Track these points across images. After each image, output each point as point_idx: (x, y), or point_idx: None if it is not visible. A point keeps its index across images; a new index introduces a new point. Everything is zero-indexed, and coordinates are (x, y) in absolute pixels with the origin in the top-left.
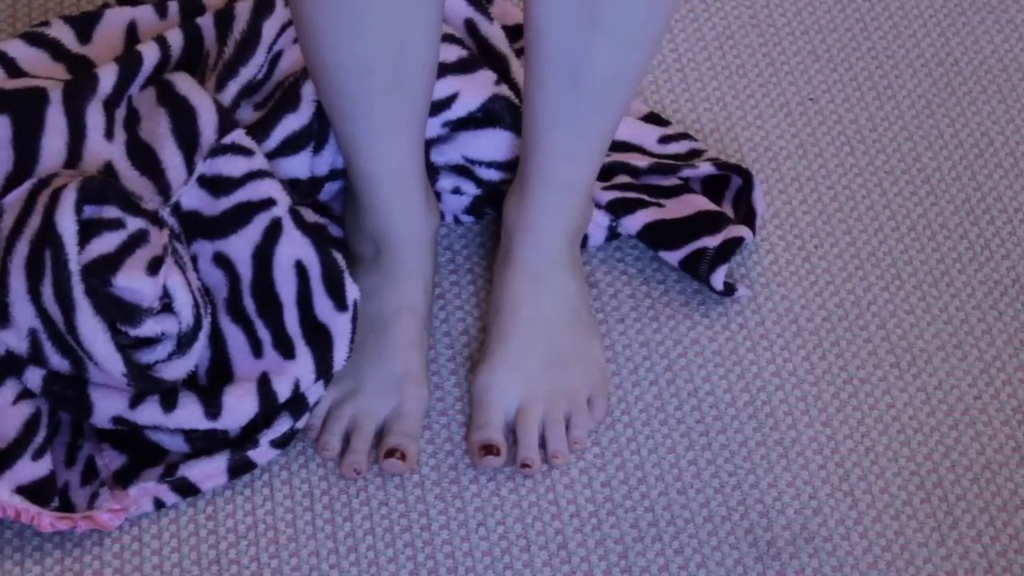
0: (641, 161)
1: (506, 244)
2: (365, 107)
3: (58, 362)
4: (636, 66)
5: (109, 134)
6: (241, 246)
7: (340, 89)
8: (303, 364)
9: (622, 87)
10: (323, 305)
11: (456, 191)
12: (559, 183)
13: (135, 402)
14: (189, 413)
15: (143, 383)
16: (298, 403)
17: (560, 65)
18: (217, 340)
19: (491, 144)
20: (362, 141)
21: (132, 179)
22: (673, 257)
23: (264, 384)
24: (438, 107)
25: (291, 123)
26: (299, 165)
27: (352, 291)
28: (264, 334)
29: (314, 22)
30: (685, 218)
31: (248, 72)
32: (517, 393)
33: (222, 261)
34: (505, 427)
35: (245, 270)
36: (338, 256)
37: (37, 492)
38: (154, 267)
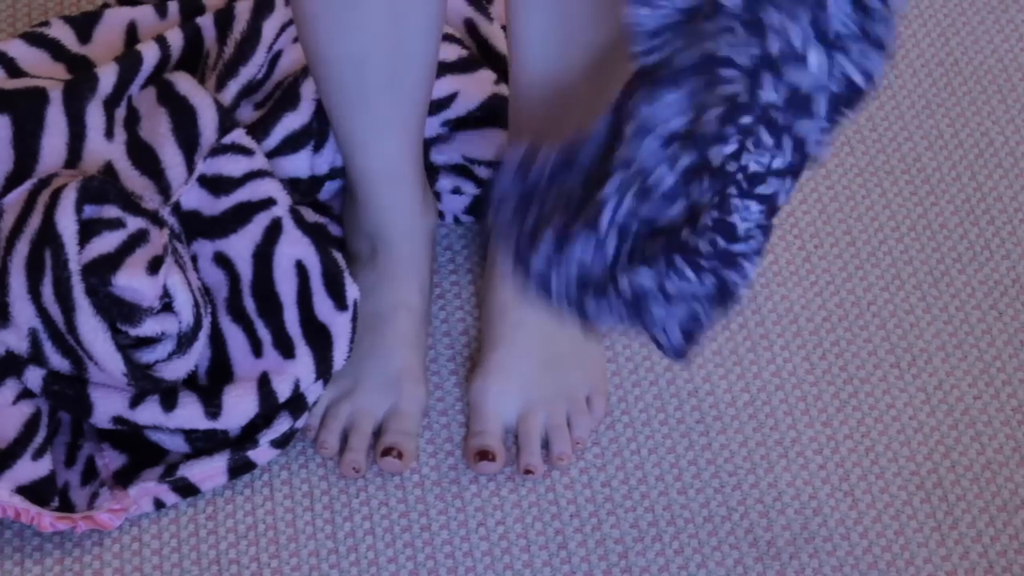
0: None
1: (493, 249)
2: (363, 102)
3: (58, 362)
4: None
5: (109, 134)
6: (241, 246)
7: (338, 83)
8: (303, 364)
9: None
10: (323, 305)
11: (456, 191)
12: None
13: (135, 402)
14: (189, 413)
15: (143, 383)
16: (297, 403)
17: (539, 77)
18: (217, 340)
19: (491, 144)
20: (360, 137)
21: (132, 179)
22: None
23: (264, 384)
24: (438, 106)
25: (291, 122)
26: (299, 164)
27: (352, 291)
28: (264, 334)
29: (312, 14)
30: None
31: (248, 72)
32: (515, 399)
33: (222, 261)
34: (503, 432)
35: (245, 270)
36: (338, 256)
37: (37, 492)
38: (154, 267)
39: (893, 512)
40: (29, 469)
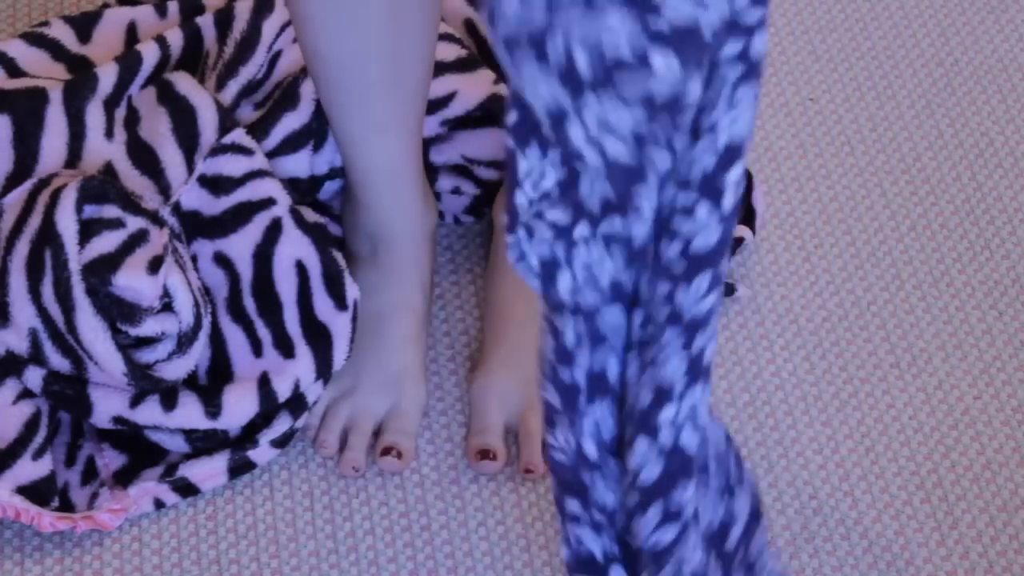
0: None
1: (496, 247)
2: (361, 101)
3: (58, 362)
4: None
5: (109, 134)
6: (241, 245)
7: (336, 82)
8: (303, 363)
9: None
10: (323, 304)
11: (456, 191)
12: None
13: (135, 402)
14: (189, 413)
15: (143, 383)
16: (297, 402)
17: None
18: (217, 340)
19: (490, 143)
20: (358, 135)
21: (132, 179)
22: None
23: (264, 384)
24: (436, 105)
25: (291, 122)
26: (299, 164)
27: (352, 291)
28: (264, 333)
29: (310, 14)
30: None
31: (248, 72)
32: (516, 398)
33: (222, 260)
34: (504, 431)
35: (245, 269)
36: (338, 255)
37: (37, 492)
38: (154, 266)
39: (893, 512)
40: (29, 469)
